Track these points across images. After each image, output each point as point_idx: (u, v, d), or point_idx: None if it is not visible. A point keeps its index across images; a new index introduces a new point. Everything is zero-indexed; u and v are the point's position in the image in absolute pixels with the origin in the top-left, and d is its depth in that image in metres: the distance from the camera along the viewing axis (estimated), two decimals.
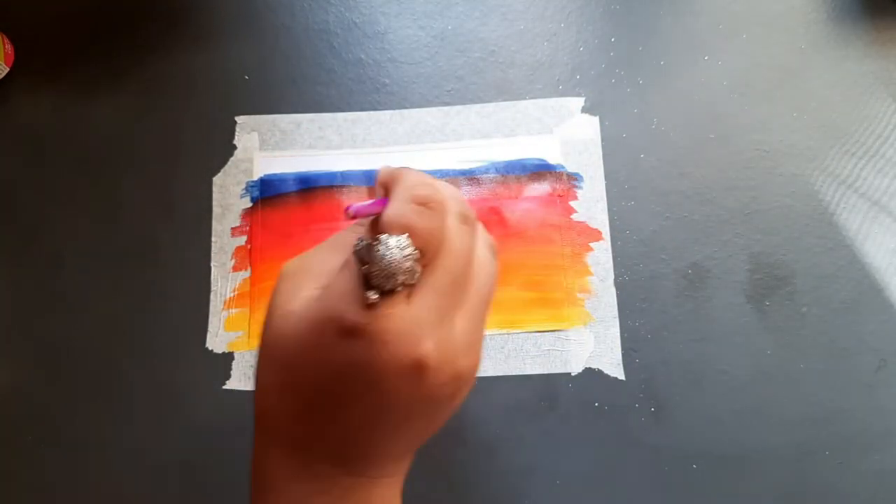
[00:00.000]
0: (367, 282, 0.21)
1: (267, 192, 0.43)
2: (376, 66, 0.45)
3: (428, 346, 0.22)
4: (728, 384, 0.39)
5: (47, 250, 0.42)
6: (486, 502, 0.38)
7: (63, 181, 0.43)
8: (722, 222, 0.41)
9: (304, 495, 0.24)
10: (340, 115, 0.44)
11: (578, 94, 0.44)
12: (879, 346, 0.39)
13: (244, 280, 0.41)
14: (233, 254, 0.42)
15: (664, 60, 0.44)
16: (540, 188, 0.42)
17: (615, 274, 0.41)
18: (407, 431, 0.24)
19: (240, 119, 0.44)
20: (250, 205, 0.42)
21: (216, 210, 0.42)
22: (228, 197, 0.43)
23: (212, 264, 0.41)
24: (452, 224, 0.23)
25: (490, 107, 0.44)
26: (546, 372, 0.39)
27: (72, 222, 0.42)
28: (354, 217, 0.23)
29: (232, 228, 0.42)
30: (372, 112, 0.44)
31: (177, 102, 0.44)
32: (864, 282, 0.40)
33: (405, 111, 0.44)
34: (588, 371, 0.39)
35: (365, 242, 0.22)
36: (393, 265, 0.21)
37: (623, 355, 0.40)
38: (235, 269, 0.41)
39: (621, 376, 0.39)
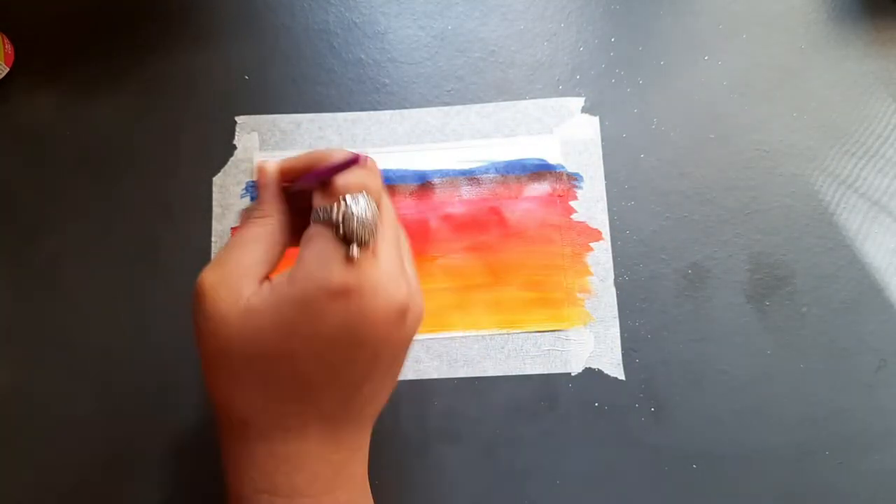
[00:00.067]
0: (345, 239, 0.23)
1: None
2: (376, 66, 0.45)
3: (405, 290, 0.24)
4: (728, 384, 0.39)
5: (47, 250, 0.42)
6: (485, 502, 0.38)
7: (63, 181, 0.43)
8: (722, 222, 0.41)
9: (301, 484, 0.24)
10: (340, 115, 0.44)
11: (578, 94, 0.44)
12: (879, 346, 0.39)
13: None
14: None
15: (664, 60, 0.44)
16: (540, 188, 0.42)
17: (615, 274, 0.41)
18: (389, 381, 0.26)
19: (240, 119, 0.44)
20: (250, 205, 0.42)
21: (216, 210, 0.42)
22: (228, 197, 0.43)
23: None
24: (381, 183, 0.26)
25: (490, 107, 0.44)
26: (546, 372, 0.39)
27: (72, 222, 0.42)
28: (300, 189, 0.26)
29: (232, 228, 0.42)
30: (372, 112, 0.44)
31: (177, 102, 0.44)
32: (864, 282, 0.40)
33: (405, 111, 0.44)
34: (588, 371, 0.39)
35: (331, 207, 0.23)
36: (366, 218, 0.23)
37: (623, 355, 0.40)
38: None
39: (621, 376, 0.39)
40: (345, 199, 0.23)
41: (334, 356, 0.23)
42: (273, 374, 0.23)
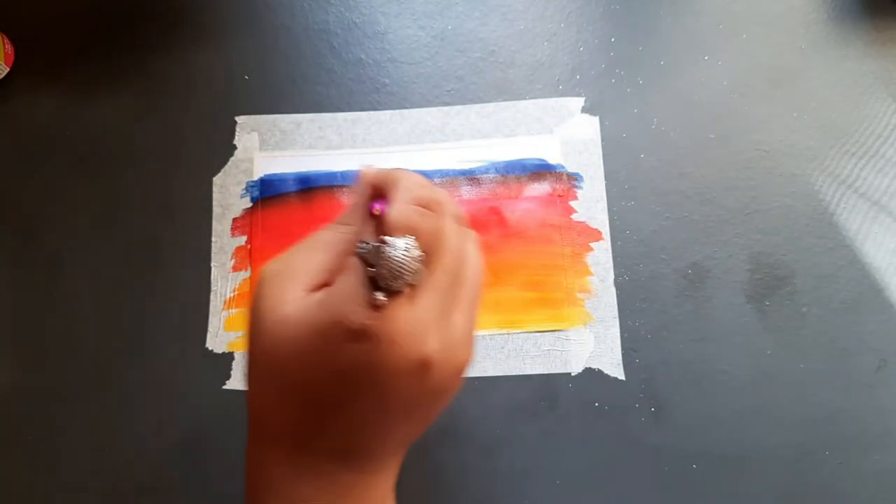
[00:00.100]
0: (374, 283, 0.22)
1: (267, 192, 0.43)
2: (376, 66, 0.45)
3: (433, 345, 0.22)
4: (728, 384, 0.39)
5: (47, 250, 0.42)
6: (485, 502, 0.38)
7: (63, 181, 0.43)
8: (722, 222, 0.41)
9: (305, 494, 0.24)
10: (340, 115, 0.44)
11: (578, 94, 0.44)
12: (879, 346, 0.39)
13: (244, 280, 0.41)
14: (233, 254, 0.42)
15: (664, 60, 0.44)
16: (540, 188, 0.42)
17: (615, 274, 0.41)
18: (407, 425, 0.25)
19: (240, 119, 0.44)
20: (250, 205, 0.42)
21: (216, 210, 0.42)
22: (228, 197, 0.43)
23: (212, 264, 0.41)
24: (449, 225, 0.24)
25: (490, 107, 0.44)
26: (546, 372, 0.39)
27: (72, 222, 0.42)
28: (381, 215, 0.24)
29: (232, 229, 0.42)
30: (372, 112, 0.44)
31: (177, 102, 0.44)
32: (864, 282, 0.40)
33: (405, 111, 0.44)
34: (588, 371, 0.39)
35: (371, 245, 0.22)
36: (402, 266, 0.21)
37: (623, 355, 0.40)
38: (235, 269, 0.41)
39: (621, 376, 0.39)
40: (385, 241, 0.22)
41: (341, 390, 0.23)
42: (287, 383, 0.23)
